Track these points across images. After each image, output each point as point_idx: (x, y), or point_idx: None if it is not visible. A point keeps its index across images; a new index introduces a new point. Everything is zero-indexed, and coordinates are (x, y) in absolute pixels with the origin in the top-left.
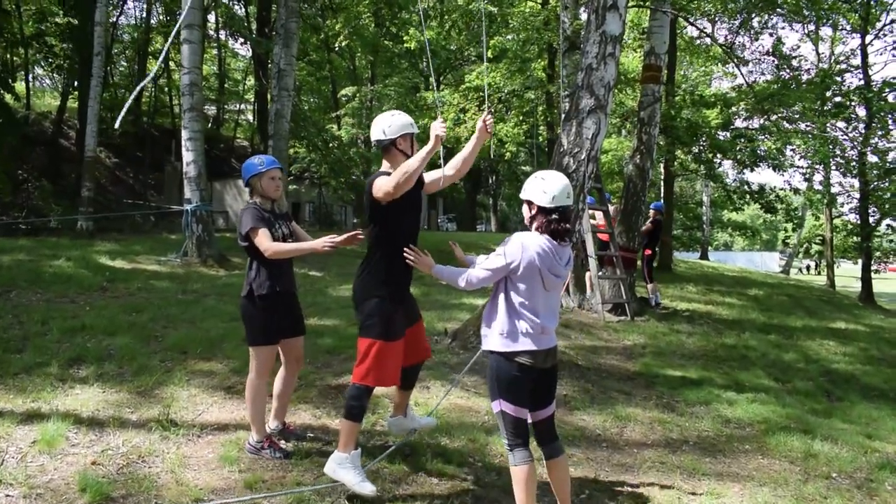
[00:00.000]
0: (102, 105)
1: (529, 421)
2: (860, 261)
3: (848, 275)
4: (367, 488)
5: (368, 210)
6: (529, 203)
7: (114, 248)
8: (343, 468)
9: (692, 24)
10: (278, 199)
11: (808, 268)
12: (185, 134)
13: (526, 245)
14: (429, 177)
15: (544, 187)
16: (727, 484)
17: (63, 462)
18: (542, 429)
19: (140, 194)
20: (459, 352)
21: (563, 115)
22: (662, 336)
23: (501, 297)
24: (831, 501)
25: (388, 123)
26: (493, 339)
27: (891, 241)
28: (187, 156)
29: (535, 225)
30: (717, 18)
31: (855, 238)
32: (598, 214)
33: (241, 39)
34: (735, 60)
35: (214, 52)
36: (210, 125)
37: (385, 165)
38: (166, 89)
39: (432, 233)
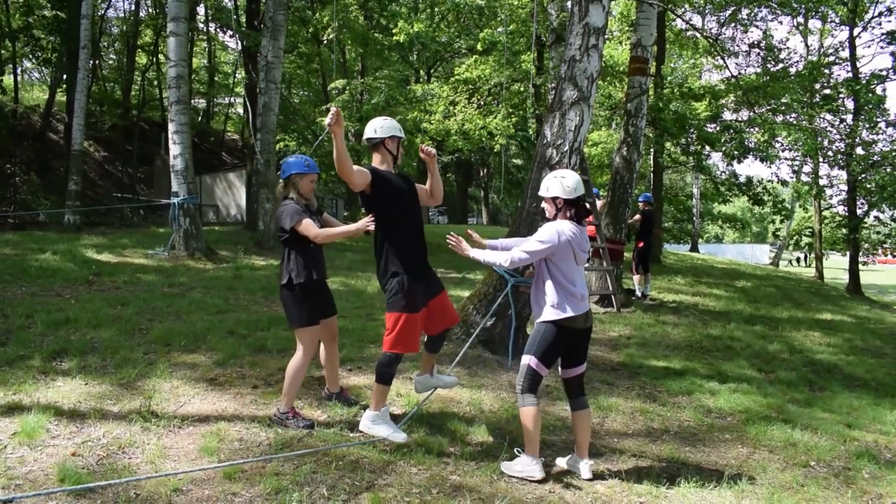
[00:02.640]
0: (90, 98)
1: (544, 375)
2: (849, 252)
3: (838, 266)
4: (400, 437)
5: (363, 205)
6: (555, 199)
7: (101, 241)
8: (377, 424)
9: (679, 16)
10: (311, 198)
11: (798, 260)
12: (171, 127)
13: (560, 231)
14: (419, 186)
15: (565, 184)
16: (706, 472)
17: (43, 453)
18: (574, 384)
19: (129, 188)
20: (445, 343)
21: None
22: (648, 327)
23: (547, 276)
24: (808, 489)
25: (381, 125)
26: (546, 311)
27: (878, 232)
28: (174, 149)
29: (563, 215)
30: (706, 11)
31: (843, 230)
32: None
33: (230, 32)
34: (721, 52)
35: (204, 45)
36: (200, 119)
37: (375, 161)
38: (155, 82)
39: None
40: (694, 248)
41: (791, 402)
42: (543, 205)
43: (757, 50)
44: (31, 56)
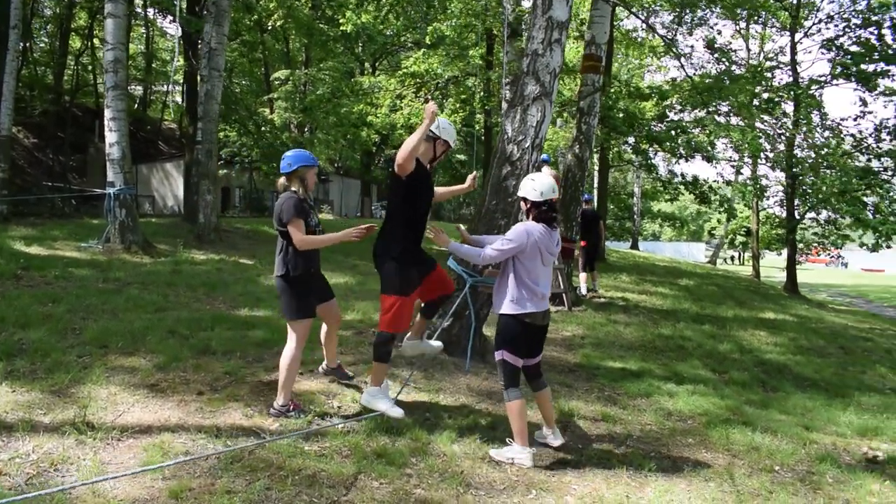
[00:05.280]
0: (20, 82)
1: (519, 366)
2: (783, 252)
3: (771, 265)
4: (397, 412)
5: (391, 183)
6: (525, 199)
7: (30, 233)
8: (376, 399)
9: (635, 14)
10: (311, 192)
11: (732, 258)
12: (108, 114)
13: (529, 231)
14: (439, 188)
15: (534, 186)
16: (674, 480)
17: None
18: (533, 371)
19: (60, 176)
20: (400, 345)
21: (503, 103)
22: (600, 327)
23: (511, 272)
24: (777, 496)
25: (445, 126)
26: (505, 304)
27: (815, 233)
28: (110, 137)
29: (532, 216)
30: (656, 8)
31: (780, 230)
32: None
33: (170, 17)
34: (676, 53)
35: (141, 30)
36: (136, 106)
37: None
38: (90, 67)
39: (365, 219)
40: (634, 246)
41: (748, 403)
42: (521, 203)
43: (706, 52)
44: None
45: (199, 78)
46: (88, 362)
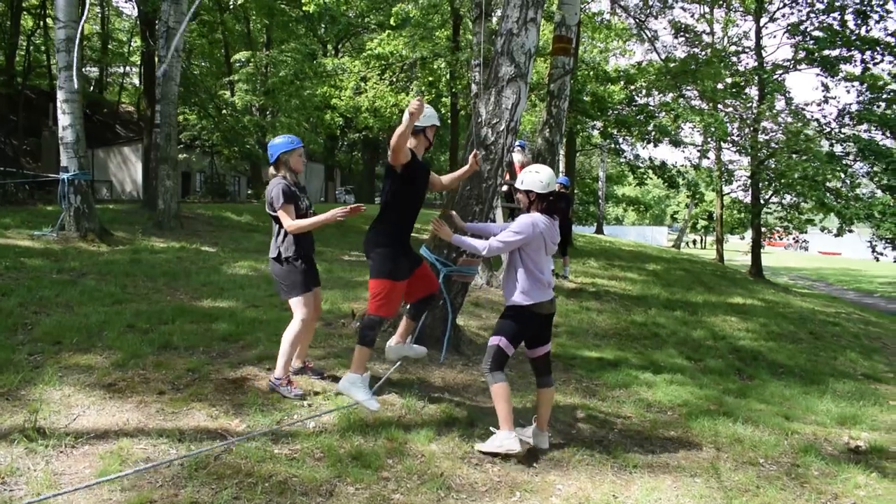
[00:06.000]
0: None
1: (510, 355)
2: (745, 236)
3: (730, 248)
4: (374, 405)
5: (386, 174)
6: (528, 192)
7: None
8: (355, 387)
9: None
10: (300, 173)
11: (693, 242)
12: (60, 95)
13: (535, 223)
14: (433, 175)
15: (540, 178)
16: (660, 477)
17: None
18: (541, 363)
19: (13, 161)
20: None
21: (473, 85)
22: (573, 314)
23: (519, 264)
24: (765, 492)
25: (424, 113)
26: (516, 295)
27: (779, 217)
28: (64, 119)
29: (536, 208)
30: None
31: (743, 214)
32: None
33: None
34: (646, 35)
35: (97, 9)
36: (92, 89)
37: (410, 144)
38: (42, 48)
39: (329, 204)
40: (599, 230)
41: (726, 392)
42: (518, 196)
43: (682, 34)
44: None
45: (156, 59)
46: (40, 361)
